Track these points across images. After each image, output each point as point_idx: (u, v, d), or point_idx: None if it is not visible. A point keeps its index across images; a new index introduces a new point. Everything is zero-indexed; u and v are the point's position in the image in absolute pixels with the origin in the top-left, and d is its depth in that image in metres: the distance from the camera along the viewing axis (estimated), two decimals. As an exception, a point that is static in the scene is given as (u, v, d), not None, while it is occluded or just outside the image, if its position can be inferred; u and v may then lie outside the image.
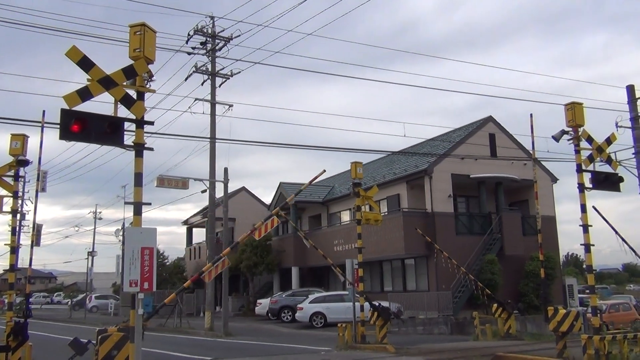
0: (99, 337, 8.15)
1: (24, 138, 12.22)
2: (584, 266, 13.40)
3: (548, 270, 30.37)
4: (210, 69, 25.50)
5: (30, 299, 13.17)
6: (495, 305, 19.61)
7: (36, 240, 16.96)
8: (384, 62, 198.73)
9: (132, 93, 7.85)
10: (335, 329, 17.62)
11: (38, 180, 13.36)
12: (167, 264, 49.42)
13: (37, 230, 16.54)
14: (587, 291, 16.61)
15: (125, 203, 38.44)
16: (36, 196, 13.50)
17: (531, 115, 17.15)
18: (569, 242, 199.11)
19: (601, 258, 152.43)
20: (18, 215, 12.73)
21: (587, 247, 12.05)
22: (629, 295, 42.57)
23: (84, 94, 7.40)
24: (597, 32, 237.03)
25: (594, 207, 12.87)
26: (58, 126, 7.40)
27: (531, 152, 18.25)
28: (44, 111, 12.96)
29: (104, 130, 7.50)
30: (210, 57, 25.48)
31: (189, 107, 24.96)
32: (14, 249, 12.29)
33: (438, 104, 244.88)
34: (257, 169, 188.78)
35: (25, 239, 20.69)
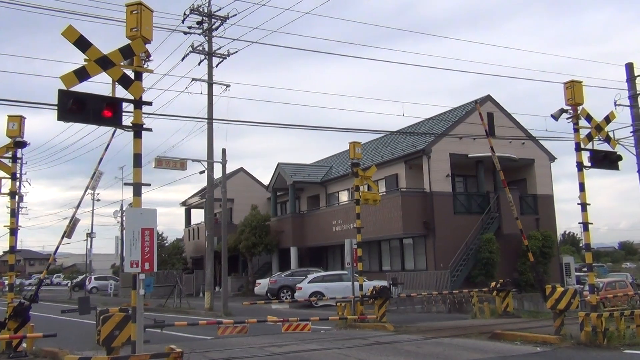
0: (101, 317, 8.18)
1: (20, 119, 12.15)
2: (582, 244, 13.47)
3: (545, 248, 30.62)
4: (207, 49, 25.28)
5: (31, 280, 13.21)
6: (493, 283, 19.79)
7: (69, 233, 16.78)
8: (385, 41, 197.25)
9: (130, 73, 7.77)
10: (334, 308, 17.70)
11: (92, 178, 13.25)
12: (166, 245, 49.59)
13: (73, 223, 16.28)
14: (584, 269, 16.72)
15: (125, 184, 38.43)
16: (85, 193, 13.44)
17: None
18: (566, 220, 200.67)
19: (598, 236, 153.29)
20: (16, 197, 12.74)
21: (586, 225, 12.10)
22: (625, 273, 42.83)
23: (82, 74, 7.34)
24: (600, 8, 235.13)
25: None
26: (56, 107, 7.34)
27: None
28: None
29: (102, 111, 7.46)
30: (206, 37, 25.24)
31: (186, 88, 24.79)
32: (13, 231, 12.32)
33: (440, 83, 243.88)
34: (256, 149, 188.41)
35: (24, 221, 20.71)
